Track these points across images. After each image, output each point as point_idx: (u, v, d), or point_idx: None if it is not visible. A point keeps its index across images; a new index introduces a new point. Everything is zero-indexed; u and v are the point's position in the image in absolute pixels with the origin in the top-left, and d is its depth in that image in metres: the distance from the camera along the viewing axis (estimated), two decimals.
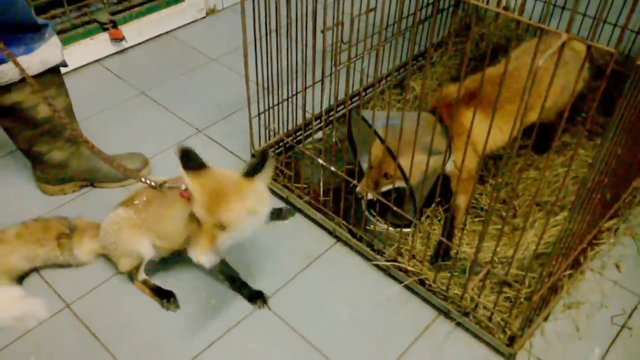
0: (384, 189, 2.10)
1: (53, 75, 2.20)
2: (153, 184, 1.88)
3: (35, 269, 2.14)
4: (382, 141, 1.94)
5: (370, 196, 2.10)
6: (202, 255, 1.63)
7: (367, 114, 2.05)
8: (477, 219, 2.30)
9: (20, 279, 2.10)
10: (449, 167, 2.14)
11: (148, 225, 1.96)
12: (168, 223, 1.93)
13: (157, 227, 1.95)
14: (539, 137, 1.54)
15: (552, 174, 2.45)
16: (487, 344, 1.94)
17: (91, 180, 2.50)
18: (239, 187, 1.64)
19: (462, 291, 1.95)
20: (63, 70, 2.26)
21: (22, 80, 2.07)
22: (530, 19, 1.40)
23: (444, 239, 2.04)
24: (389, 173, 2.06)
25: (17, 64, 1.79)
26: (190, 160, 1.65)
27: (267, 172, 1.65)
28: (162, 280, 2.13)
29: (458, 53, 3.16)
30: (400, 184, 2.06)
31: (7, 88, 2.08)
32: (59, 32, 3.12)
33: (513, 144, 1.54)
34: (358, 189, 2.11)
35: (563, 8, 2.95)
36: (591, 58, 2.88)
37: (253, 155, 2.53)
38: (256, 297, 2.06)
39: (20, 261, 2.05)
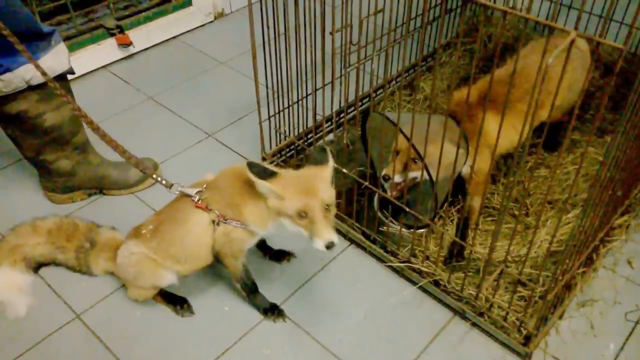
0: (412, 174, 2.06)
1: (60, 82, 2.15)
2: (164, 182, 1.88)
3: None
4: (408, 139, 1.91)
5: (393, 192, 2.08)
6: (331, 235, 1.67)
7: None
8: (489, 219, 2.30)
9: (37, 267, 2.16)
10: (465, 170, 2.14)
11: (163, 252, 1.91)
12: (186, 242, 1.89)
13: (173, 251, 1.90)
14: (548, 136, 1.53)
15: (563, 172, 2.46)
16: (503, 343, 1.94)
17: (99, 188, 2.50)
18: (320, 174, 1.71)
19: (477, 291, 1.95)
20: (70, 76, 2.25)
21: (27, 89, 2.07)
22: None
23: (458, 239, 2.04)
24: (416, 158, 2.02)
25: (37, 67, 1.78)
26: (257, 170, 1.70)
27: (332, 160, 1.75)
28: (173, 290, 2.10)
29: (467, 53, 3.17)
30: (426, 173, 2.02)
31: (12, 97, 2.07)
32: (66, 39, 3.12)
33: (524, 143, 1.54)
34: (385, 171, 2.07)
35: (570, 7, 2.95)
36: (598, 56, 2.88)
37: (264, 159, 2.53)
38: (271, 311, 2.04)
39: (40, 257, 2.13)
